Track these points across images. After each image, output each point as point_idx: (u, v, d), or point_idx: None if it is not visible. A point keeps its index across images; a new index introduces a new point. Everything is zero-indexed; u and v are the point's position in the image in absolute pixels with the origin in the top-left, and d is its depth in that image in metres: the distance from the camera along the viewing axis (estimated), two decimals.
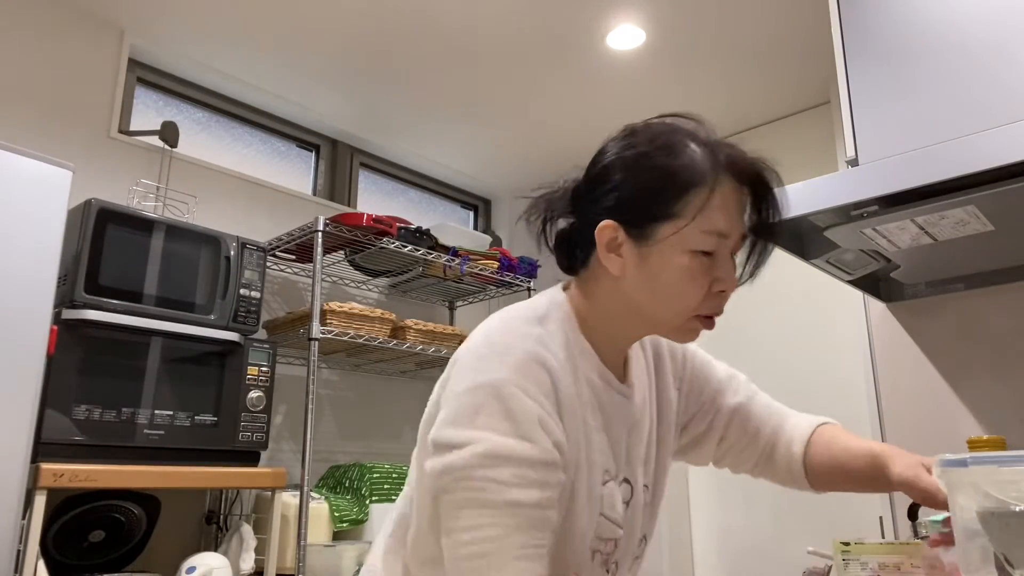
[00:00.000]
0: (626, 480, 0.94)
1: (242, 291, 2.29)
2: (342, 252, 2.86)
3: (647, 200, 0.85)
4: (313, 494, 2.42)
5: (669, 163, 0.84)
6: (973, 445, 1.27)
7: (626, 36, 2.57)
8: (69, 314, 1.94)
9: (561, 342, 0.88)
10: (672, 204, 0.84)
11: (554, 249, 0.97)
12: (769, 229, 0.90)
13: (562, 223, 0.95)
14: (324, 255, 2.81)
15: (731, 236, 0.86)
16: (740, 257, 0.92)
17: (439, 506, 0.81)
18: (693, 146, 0.85)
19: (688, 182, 0.83)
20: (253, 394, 2.27)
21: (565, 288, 0.96)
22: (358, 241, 2.67)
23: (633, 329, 0.92)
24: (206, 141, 2.92)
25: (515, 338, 0.84)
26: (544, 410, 0.81)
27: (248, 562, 2.13)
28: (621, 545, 0.93)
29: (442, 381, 0.89)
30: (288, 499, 2.34)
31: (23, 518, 1.67)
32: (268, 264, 2.80)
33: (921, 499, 0.89)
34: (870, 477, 1.01)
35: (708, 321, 0.90)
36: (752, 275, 0.93)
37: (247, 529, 2.21)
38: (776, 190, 0.88)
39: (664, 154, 0.85)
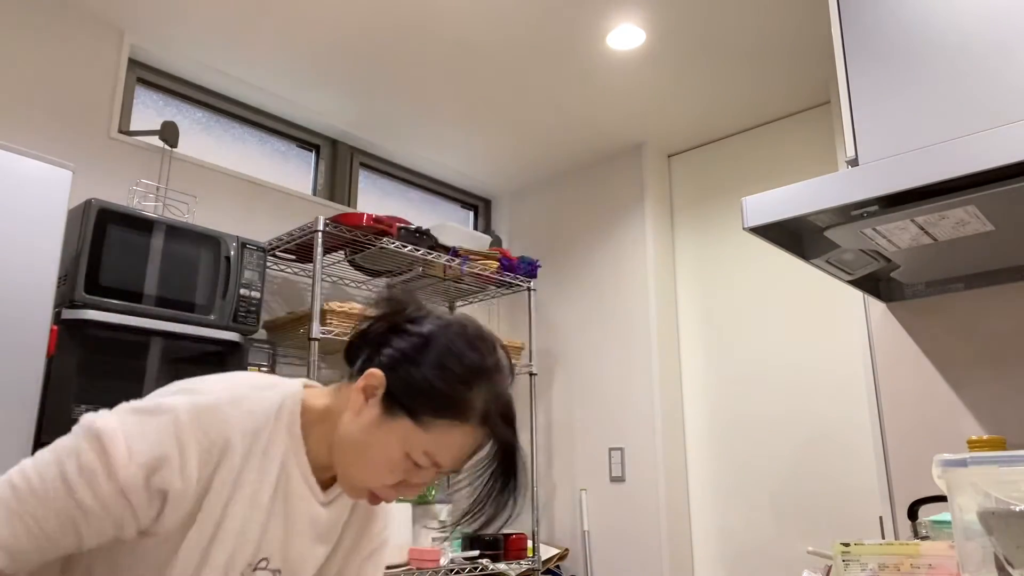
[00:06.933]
0: None
1: (242, 291, 2.29)
2: (342, 252, 2.86)
3: (415, 391, 0.89)
4: None
5: (454, 388, 0.89)
6: (973, 445, 1.27)
7: (626, 36, 2.57)
8: (69, 314, 1.94)
9: (272, 413, 0.91)
10: (426, 414, 0.89)
11: (355, 338, 0.99)
12: (501, 493, 0.94)
13: (380, 328, 0.97)
14: (324, 255, 2.80)
15: (444, 468, 0.92)
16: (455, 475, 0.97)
17: None
18: (480, 391, 0.91)
19: (450, 411, 0.89)
20: None
21: (307, 386, 0.99)
22: (358, 241, 2.67)
23: (331, 456, 0.94)
24: (206, 141, 2.92)
25: (217, 389, 0.88)
26: (182, 459, 0.82)
27: None
28: None
29: None
30: None
31: None
32: (268, 264, 2.80)
33: None
34: None
35: (375, 499, 0.94)
36: (489, 519, 0.95)
37: None
38: (518, 475, 0.94)
39: (457, 377, 0.90)
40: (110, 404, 0.88)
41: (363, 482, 0.92)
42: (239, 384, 0.91)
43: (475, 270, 2.96)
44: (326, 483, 0.99)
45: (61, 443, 0.82)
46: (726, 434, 3.02)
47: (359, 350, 0.97)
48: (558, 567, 3.13)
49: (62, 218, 1.77)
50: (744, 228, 1.41)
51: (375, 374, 0.91)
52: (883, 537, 1.85)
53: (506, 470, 0.93)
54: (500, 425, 0.92)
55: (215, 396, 0.87)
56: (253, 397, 0.90)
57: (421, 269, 2.97)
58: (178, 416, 0.83)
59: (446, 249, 2.88)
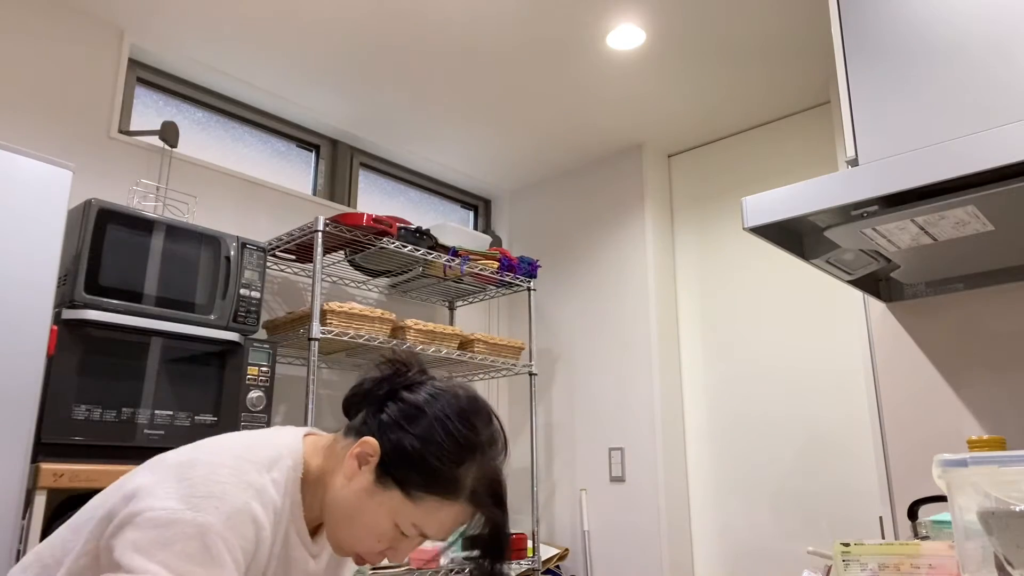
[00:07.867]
0: None
1: (242, 291, 2.29)
2: (342, 252, 2.86)
3: (408, 465, 0.91)
4: None
5: (444, 465, 0.91)
6: (973, 445, 1.27)
7: (626, 36, 2.57)
8: (69, 314, 1.94)
9: (281, 491, 0.92)
10: (417, 488, 0.91)
11: (354, 394, 1.01)
12: (491, 569, 0.95)
13: (381, 391, 0.98)
14: (324, 255, 2.81)
15: (431, 538, 0.94)
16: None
17: None
18: (471, 468, 0.92)
19: (440, 488, 0.91)
20: (253, 394, 2.27)
21: (307, 435, 1.00)
22: (358, 241, 2.67)
23: (322, 513, 0.97)
24: (206, 141, 2.92)
25: (237, 487, 0.86)
26: (236, 566, 0.83)
27: None
28: None
29: (138, 486, 0.86)
30: None
31: (23, 518, 1.67)
32: (268, 264, 2.80)
33: None
34: None
35: (361, 560, 0.96)
36: None
37: None
38: (505, 552, 0.95)
39: (447, 455, 0.91)
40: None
41: (351, 546, 0.94)
42: (250, 472, 0.89)
43: (475, 270, 2.96)
44: (314, 532, 1.01)
45: None
46: (726, 434, 3.02)
47: (359, 407, 0.99)
48: (558, 567, 3.13)
49: (62, 218, 1.77)
50: (744, 228, 1.41)
51: (370, 443, 0.92)
52: (883, 537, 1.85)
53: (494, 546, 0.94)
54: (488, 504, 0.94)
55: (240, 499, 0.86)
56: (267, 485, 0.90)
57: (421, 269, 2.97)
58: (219, 531, 0.82)
59: (446, 249, 2.88)
